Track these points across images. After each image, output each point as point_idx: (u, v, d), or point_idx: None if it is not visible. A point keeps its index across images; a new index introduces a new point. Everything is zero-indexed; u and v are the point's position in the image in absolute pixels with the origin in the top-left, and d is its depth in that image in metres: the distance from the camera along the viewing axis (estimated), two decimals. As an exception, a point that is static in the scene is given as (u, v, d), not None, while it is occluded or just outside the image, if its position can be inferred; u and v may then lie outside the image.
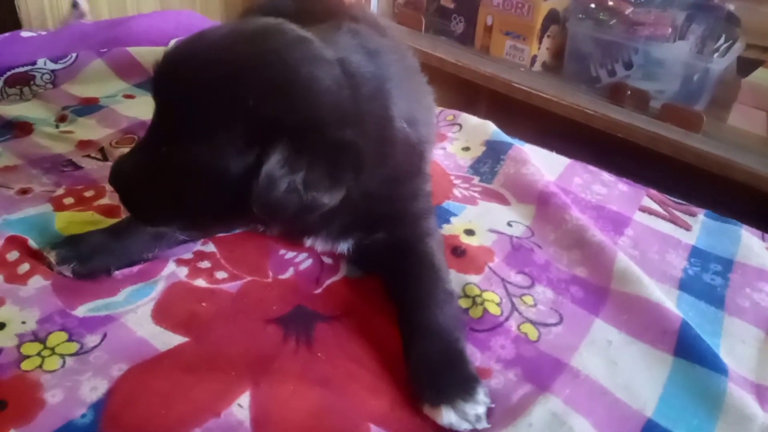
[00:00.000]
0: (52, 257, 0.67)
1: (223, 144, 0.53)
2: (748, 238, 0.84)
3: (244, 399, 0.54)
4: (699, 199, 1.35)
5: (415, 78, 0.78)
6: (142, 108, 1.03)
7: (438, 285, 0.65)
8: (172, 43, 0.98)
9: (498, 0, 1.80)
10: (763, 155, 1.45)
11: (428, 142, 0.75)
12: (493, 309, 0.67)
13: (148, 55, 1.15)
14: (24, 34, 1.26)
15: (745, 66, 1.69)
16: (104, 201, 0.80)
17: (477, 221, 0.81)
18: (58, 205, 0.78)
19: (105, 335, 0.59)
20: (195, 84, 0.54)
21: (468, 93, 2.08)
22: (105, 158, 0.90)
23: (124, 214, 0.77)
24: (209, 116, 0.53)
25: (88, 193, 0.81)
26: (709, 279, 0.76)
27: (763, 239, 0.85)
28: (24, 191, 0.81)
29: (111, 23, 1.36)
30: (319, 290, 0.68)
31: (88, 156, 0.90)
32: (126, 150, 0.90)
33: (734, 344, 0.66)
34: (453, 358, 0.58)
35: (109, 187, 0.82)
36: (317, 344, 0.61)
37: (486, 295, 0.68)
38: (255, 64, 0.55)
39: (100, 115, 1.00)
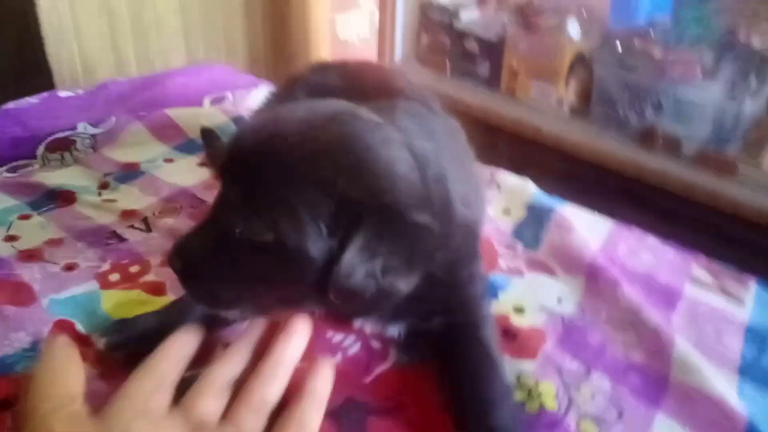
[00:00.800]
0: (101, 344, 0.66)
1: (308, 227, 0.51)
2: (805, 312, 0.82)
3: None
4: (739, 250, 1.33)
5: (466, 156, 0.77)
6: (182, 173, 1.04)
7: (497, 380, 0.63)
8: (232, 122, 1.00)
9: (523, 43, 1.80)
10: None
11: (481, 223, 0.74)
12: (550, 403, 0.65)
13: (186, 117, 1.15)
14: (61, 94, 1.28)
15: (778, 107, 1.67)
16: (150, 277, 0.79)
17: (526, 297, 0.80)
18: (104, 283, 0.77)
19: None
20: (278, 166, 0.51)
21: (486, 137, 2.08)
22: (149, 229, 0.90)
23: (171, 294, 0.77)
24: (295, 199, 0.50)
25: (134, 269, 0.81)
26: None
27: (821, 313, 0.83)
28: (70, 267, 0.80)
29: (146, 82, 1.38)
30: (369, 379, 0.67)
31: (132, 227, 0.90)
32: (170, 220, 0.91)
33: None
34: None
35: (154, 262, 0.82)
36: (372, 440, 0.59)
37: (542, 387, 0.66)
38: (340, 147, 0.53)
39: (141, 182, 1.00)
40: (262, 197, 0.51)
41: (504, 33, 1.87)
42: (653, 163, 1.59)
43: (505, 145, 2.11)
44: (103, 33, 1.85)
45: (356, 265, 0.51)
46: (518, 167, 1.10)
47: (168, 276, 0.79)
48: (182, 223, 0.90)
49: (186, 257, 0.55)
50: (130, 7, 1.90)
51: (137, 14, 1.93)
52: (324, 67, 0.87)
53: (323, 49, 2.48)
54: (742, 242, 1.52)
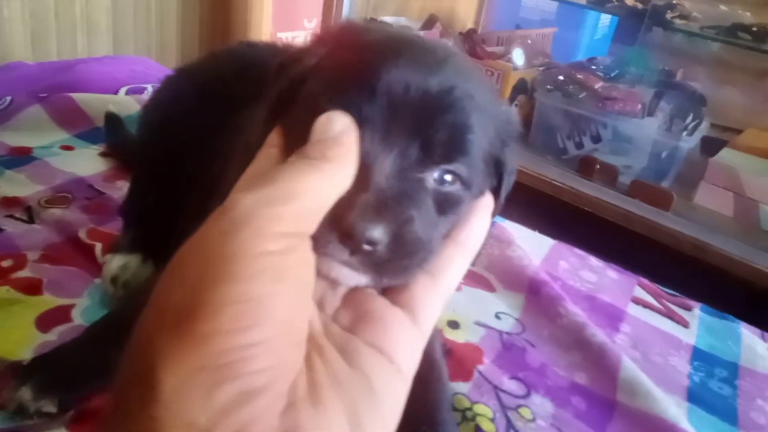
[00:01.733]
0: (25, 395, 0.52)
1: (483, 171, 0.43)
2: (748, 338, 0.77)
3: None
4: (675, 280, 1.30)
5: None
6: (81, 162, 0.91)
7: (445, 402, 0.55)
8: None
9: (467, 66, 1.77)
10: (734, 237, 1.43)
11: None
12: (487, 426, 0.56)
13: (95, 102, 1.03)
14: (-39, 72, 1.13)
15: (710, 145, 1.70)
16: (24, 273, 0.67)
17: (462, 311, 0.72)
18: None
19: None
20: (463, 112, 0.41)
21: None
22: (31, 220, 0.77)
23: (47, 293, 0.65)
24: (477, 144, 0.41)
25: (7, 263, 0.68)
26: (716, 387, 0.68)
27: (764, 339, 0.78)
28: (-70, 258, 0.67)
29: (58, 66, 1.25)
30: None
31: (12, 216, 0.77)
32: (58, 211, 0.79)
33: (759, 473, 0.58)
34: None
35: (31, 256, 0.70)
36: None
37: (477, 408, 0.58)
38: (491, 89, 0.47)
39: (31, 169, 0.87)
40: (451, 144, 0.40)
41: (448, 56, 1.84)
42: (591, 191, 1.57)
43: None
44: (24, 23, 1.70)
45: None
46: None
47: (44, 273, 0.67)
48: (71, 216, 0.78)
49: (394, 212, 0.37)
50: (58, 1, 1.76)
51: (65, 8, 1.79)
52: (254, 44, 0.78)
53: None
54: (676, 273, 1.51)
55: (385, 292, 0.35)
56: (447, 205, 0.40)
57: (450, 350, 0.65)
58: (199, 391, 0.24)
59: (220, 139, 0.62)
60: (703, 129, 1.67)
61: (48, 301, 0.65)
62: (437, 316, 0.36)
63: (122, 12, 1.96)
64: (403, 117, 0.38)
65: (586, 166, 1.64)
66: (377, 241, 0.33)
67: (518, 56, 1.75)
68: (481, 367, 0.64)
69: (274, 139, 0.38)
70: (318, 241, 0.33)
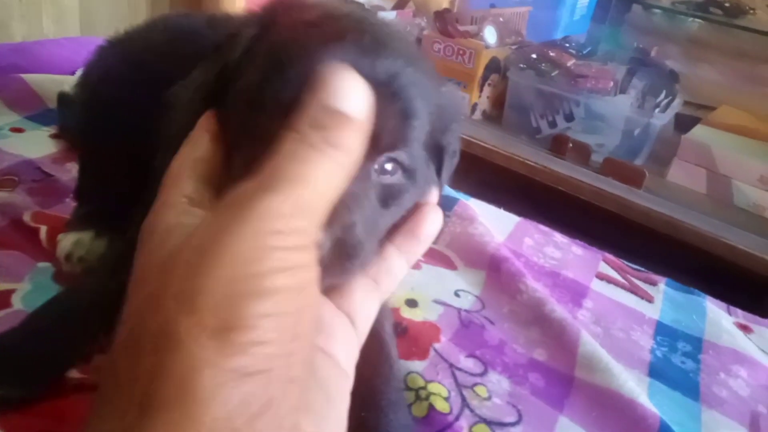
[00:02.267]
0: None
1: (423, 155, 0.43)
2: (714, 312, 0.76)
3: None
4: (647, 258, 1.29)
5: None
6: (31, 144, 0.88)
7: (392, 382, 0.52)
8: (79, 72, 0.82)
9: (439, 46, 1.74)
10: (706, 214, 1.43)
11: None
12: (441, 405, 0.55)
13: (48, 83, 1.00)
14: None
15: (683, 123, 1.69)
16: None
17: (420, 289, 0.70)
18: None
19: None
20: (413, 97, 0.40)
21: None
22: (-27, 204, 0.74)
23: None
24: (419, 129, 0.40)
25: (-60, 250, 0.65)
26: (679, 362, 0.67)
27: (729, 313, 0.78)
28: None
29: (14, 47, 1.20)
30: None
31: (-44, 201, 0.74)
32: (3, 194, 0.76)
33: (718, 445, 0.57)
34: None
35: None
36: None
37: (432, 387, 0.56)
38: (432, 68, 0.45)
39: (-22, 152, 0.84)
40: (395, 133, 0.39)
41: (420, 34, 1.81)
42: (564, 169, 1.56)
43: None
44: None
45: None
46: None
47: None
48: (17, 199, 0.75)
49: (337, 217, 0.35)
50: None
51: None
52: (191, 14, 0.74)
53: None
54: (648, 251, 1.51)
55: (329, 292, 0.36)
56: (390, 197, 0.40)
57: (406, 328, 0.63)
58: (236, 395, 0.25)
59: (153, 114, 0.59)
60: (676, 106, 1.67)
61: (-12, 286, 0.62)
62: (374, 316, 0.37)
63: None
64: None
65: (558, 145, 1.63)
66: (319, 245, 0.32)
67: (490, 34, 1.72)
68: (437, 345, 0.62)
69: (206, 123, 0.37)
70: None
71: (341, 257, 0.35)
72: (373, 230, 0.39)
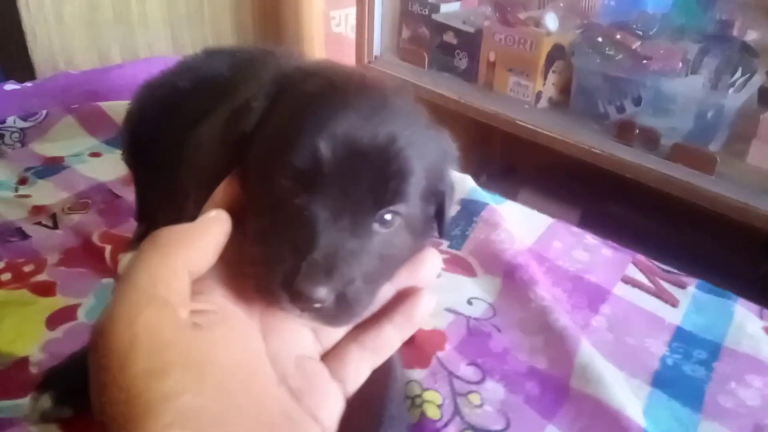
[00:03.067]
0: (45, 404, 0.58)
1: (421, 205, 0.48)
2: (741, 315, 0.75)
3: None
4: (712, 245, 1.25)
5: None
6: (106, 168, 1.00)
7: (394, 397, 0.55)
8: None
9: (500, 35, 1.74)
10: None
11: None
12: (432, 412, 0.60)
13: (120, 108, 1.12)
14: (8, 87, 1.26)
15: (766, 99, 1.59)
16: (41, 277, 0.76)
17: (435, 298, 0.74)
18: (-7, 282, 0.75)
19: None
20: (400, 156, 0.45)
21: (479, 133, 2.02)
22: (55, 226, 0.86)
23: (60, 294, 0.73)
24: (415, 185, 0.46)
25: (28, 268, 0.77)
26: (690, 370, 0.67)
27: (762, 317, 0.76)
28: (-36, 265, 0.78)
29: (96, 74, 1.35)
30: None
31: (39, 223, 0.87)
32: (77, 216, 0.88)
33: (709, 458, 0.58)
34: None
35: (50, 260, 0.79)
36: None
37: (427, 395, 0.61)
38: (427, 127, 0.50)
39: (60, 177, 0.97)
40: (394, 191, 0.44)
41: (482, 25, 1.81)
42: (629, 156, 1.52)
43: (482, 138, 2.06)
44: (85, 24, 1.83)
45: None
46: (491, 159, 1.04)
47: (59, 276, 0.76)
48: (89, 219, 0.87)
49: (340, 273, 0.42)
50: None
51: (122, 6, 1.91)
52: (213, 52, 0.82)
53: (317, 44, 2.44)
54: (717, 238, 1.44)
55: (327, 359, 0.43)
56: (390, 247, 0.45)
57: (413, 337, 0.68)
58: None
59: (180, 151, 0.67)
60: (756, 83, 1.56)
61: (59, 301, 0.73)
62: (364, 379, 0.44)
63: (176, 3, 2.07)
64: (354, 178, 0.42)
65: (624, 131, 1.58)
66: (323, 300, 0.39)
67: (551, 20, 1.69)
68: (440, 354, 0.66)
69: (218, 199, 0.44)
70: (274, 299, 0.40)
71: (342, 309, 0.41)
72: (372, 281, 0.44)
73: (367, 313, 0.44)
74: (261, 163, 0.44)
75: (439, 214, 0.50)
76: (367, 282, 0.43)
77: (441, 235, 0.52)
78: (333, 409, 0.41)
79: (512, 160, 2.25)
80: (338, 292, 0.40)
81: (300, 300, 0.39)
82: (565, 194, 0.91)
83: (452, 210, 0.55)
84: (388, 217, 0.44)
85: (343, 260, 0.41)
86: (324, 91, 0.45)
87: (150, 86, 0.80)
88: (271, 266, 0.40)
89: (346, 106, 0.43)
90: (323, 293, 0.39)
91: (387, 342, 0.45)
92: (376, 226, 0.44)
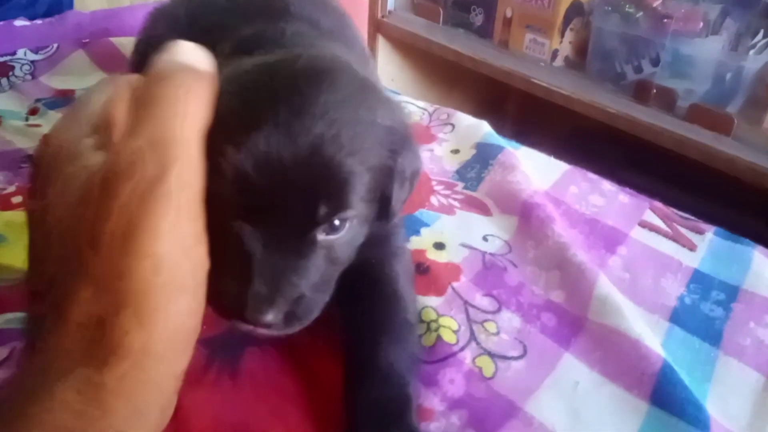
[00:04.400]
0: None
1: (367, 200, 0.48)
2: (760, 261, 0.74)
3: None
4: (727, 206, 1.24)
5: None
6: (117, 102, 0.99)
7: (397, 317, 0.56)
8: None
9: (518, -9, 1.70)
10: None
11: None
12: (448, 336, 0.59)
13: (131, 45, 1.10)
14: (17, 23, 1.24)
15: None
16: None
17: (450, 234, 0.74)
18: (5, 204, 0.74)
19: (13, 349, 0.54)
20: (337, 164, 0.44)
21: (493, 91, 2.00)
22: (67, 155, 0.85)
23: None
24: (359, 184, 0.45)
25: (41, 192, 0.77)
26: (708, 309, 0.66)
27: (782, 264, 0.75)
28: (-26, 188, 0.77)
29: (108, 14, 1.33)
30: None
31: (50, 152, 0.86)
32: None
33: (726, 391, 0.57)
34: (400, 406, 0.50)
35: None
36: (242, 375, 0.54)
37: (442, 321, 0.61)
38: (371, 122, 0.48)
39: (71, 109, 0.96)
40: (333, 203, 0.44)
41: (499, -19, 1.78)
42: (645, 116, 1.50)
43: (496, 96, 2.03)
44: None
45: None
46: (505, 118, 1.02)
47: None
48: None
49: (283, 296, 0.43)
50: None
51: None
52: None
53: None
54: (732, 200, 1.43)
55: None
56: (342, 247, 0.47)
57: (428, 268, 0.67)
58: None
59: None
60: (778, 46, 1.53)
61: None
62: None
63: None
64: (284, 195, 0.42)
65: (641, 92, 1.56)
66: (272, 323, 0.43)
67: (571, -24, 1.66)
68: (456, 284, 0.66)
69: None
70: (229, 318, 0.44)
71: (293, 321, 0.45)
72: (324, 286, 0.47)
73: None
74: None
75: (387, 199, 0.50)
76: (320, 287, 0.46)
77: (387, 220, 0.52)
78: None
79: (524, 124, 2.23)
80: (287, 311, 0.43)
81: (253, 324, 0.43)
82: (578, 159, 0.90)
83: (411, 187, 0.53)
84: (336, 222, 0.45)
85: (285, 282, 0.43)
86: (250, 96, 0.43)
87: (155, 14, 0.78)
88: (221, 293, 0.42)
89: (277, 115, 0.42)
90: (270, 318, 0.42)
91: None
92: (321, 237, 0.45)
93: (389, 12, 1.98)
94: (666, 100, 1.52)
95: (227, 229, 0.42)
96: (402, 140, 0.49)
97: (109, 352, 0.33)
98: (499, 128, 0.98)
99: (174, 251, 0.35)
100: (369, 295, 0.58)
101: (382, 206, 0.49)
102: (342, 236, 0.46)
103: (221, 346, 0.57)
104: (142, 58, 0.76)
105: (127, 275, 0.33)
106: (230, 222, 0.42)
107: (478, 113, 1.03)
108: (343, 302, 0.56)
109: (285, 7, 0.68)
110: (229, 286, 0.42)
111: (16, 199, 0.75)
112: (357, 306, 0.57)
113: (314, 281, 0.45)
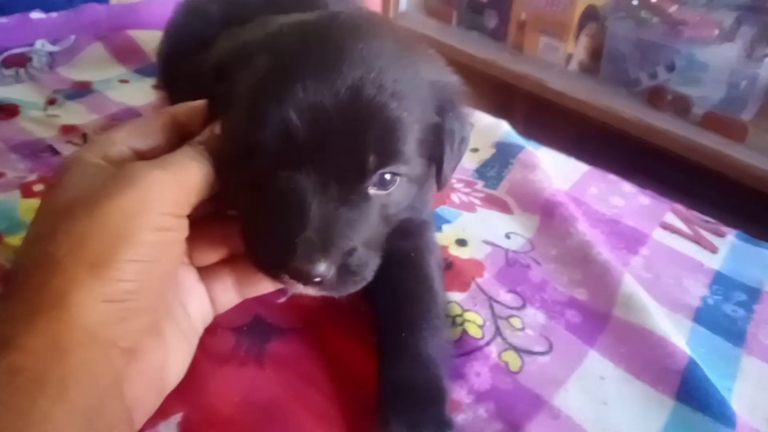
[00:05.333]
0: None
1: (419, 156, 0.48)
2: (781, 264, 0.74)
3: (174, 420, 0.48)
4: (738, 215, 1.23)
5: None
6: (134, 94, 0.99)
7: (433, 309, 0.56)
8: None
9: (533, -5, 1.71)
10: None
11: None
12: (474, 331, 0.59)
13: (150, 39, 1.10)
14: (33, 15, 1.24)
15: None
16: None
17: (472, 230, 0.74)
18: (27, 192, 0.74)
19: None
20: (387, 115, 0.43)
21: (505, 95, 2.00)
22: (87, 145, 0.86)
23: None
24: (410, 137, 0.44)
25: (62, 181, 0.77)
26: (730, 310, 0.66)
27: (801, 267, 0.75)
28: (-3, 176, 0.77)
29: (124, 8, 1.33)
30: (282, 299, 0.62)
31: (70, 142, 0.86)
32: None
33: (751, 389, 0.57)
34: (434, 394, 0.50)
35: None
36: (268, 360, 0.54)
37: (467, 315, 0.61)
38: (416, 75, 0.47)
39: (89, 100, 0.96)
40: (384, 152, 0.43)
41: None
42: (659, 122, 1.50)
43: (514, 103, 2.03)
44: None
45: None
46: (516, 122, 1.02)
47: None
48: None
49: (337, 247, 0.41)
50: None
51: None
52: None
53: None
54: (745, 209, 1.43)
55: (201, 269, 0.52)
56: (393, 205, 0.46)
57: (452, 263, 0.67)
58: (98, 311, 0.36)
59: None
60: (793, 55, 1.53)
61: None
62: (232, 305, 0.54)
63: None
64: (331, 142, 0.41)
65: (656, 98, 1.56)
66: (323, 276, 0.40)
67: (586, -19, 1.66)
68: (479, 280, 0.66)
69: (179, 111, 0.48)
70: (275, 276, 0.43)
71: (346, 278, 0.43)
72: (375, 244, 0.45)
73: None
74: (235, 138, 0.43)
75: (438, 162, 0.49)
76: (371, 245, 0.45)
77: (439, 188, 0.52)
78: (199, 307, 0.50)
79: (533, 128, 2.23)
80: (338, 264, 0.41)
81: (300, 278, 0.41)
82: (588, 164, 0.90)
83: (460, 155, 0.52)
84: (387, 177, 0.44)
85: (338, 232, 0.41)
86: (298, 49, 0.43)
87: (184, 8, 0.78)
88: (267, 247, 0.41)
89: (319, 67, 0.41)
90: (322, 269, 0.40)
91: (258, 287, 0.54)
92: (373, 191, 0.44)
93: (401, 13, 1.99)
94: (681, 107, 1.53)
95: (273, 182, 0.42)
96: (450, 98, 0.48)
97: None
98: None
99: None
100: (409, 286, 0.58)
101: (436, 170, 0.49)
102: (393, 192, 0.45)
103: (248, 333, 0.57)
104: (173, 53, 0.76)
105: None
106: (278, 173, 0.41)
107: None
108: (379, 291, 0.56)
109: (321, 3, 0.68)
110: (276, 237, 0.40)
111: (38, 188, 0.75)
112: (395, 297, 0.57)
113: (366, 238, 0.43)
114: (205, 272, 0.51)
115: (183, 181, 0.41)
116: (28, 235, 0.39)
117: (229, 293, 0.53)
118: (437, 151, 0.48)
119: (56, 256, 0.36)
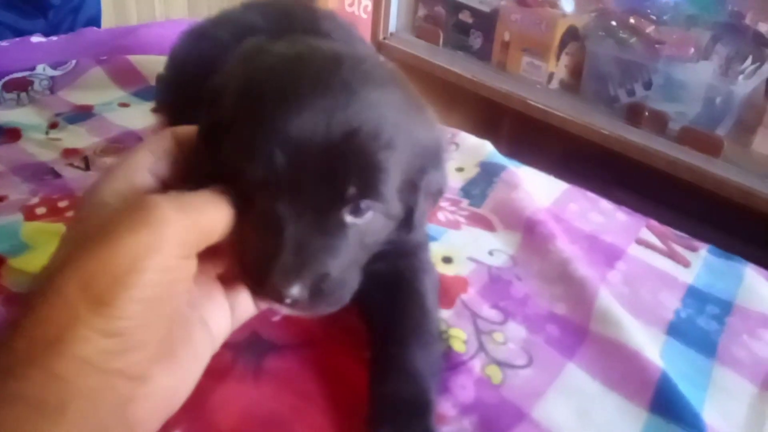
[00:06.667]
0: None
1: (396, 194, 0.49)
2: (752, 278, 0.78)
3: (174, 435, 0.51)
4: (714, 225, 1.28)
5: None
6: (134, 117, 1.02)
7: (424, 325, 0.59)
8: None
9: (516, 16, 1.76)
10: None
11: None
12: (458, 346, 0.63)
13: (148, 63, 1.14)
14: (34, 39, 1.27)
15: (774, 89, 1.62)
16: (76, 212, 0.78)
17: (457, 248, 0.77)
18: (29, 215, 0.77)
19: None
20: (369, 147, 0.45)
21: (491, 112, 2.04)
22: (87, 168, 0.89)
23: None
24: (393, 174, 0.47)
25: (63, 203, 0.79)
26: (703, 323, 0.70)
27: (771, 281, 0.79)
28: (-1, 199, 0.80)
29: (123, 31, 1.37)
30: (277, 317, 0.65)
31: (71, 165, 0.89)
32: (108, 160, 0.90)
33: (722, 400, 0.60)
34: (421, 407, 0.53)
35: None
36: (265, 376, 0.58)
37: (452, 332, 0.64)
38: (408, 120, 0.49)
39: (90, 123, 0.99)
40: (363, 186, 0.45)
41: (498, 5, 1.83)
42: (637, 138, 1.55)
43: (503, 120, 2.08)
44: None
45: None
46: (501, 138, 1.07)
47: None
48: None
49: (310, 270, 0.44)
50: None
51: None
52: (252, 5, 0.83)
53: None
54: (722, 221, 1.48)
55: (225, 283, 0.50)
56: (368, 233, 0.48)
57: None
58: (96, 344, 0.37)
59: None
60: (766, 72, 1.59)
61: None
62: (249, 316, 0.53)
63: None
64: (312, 168, 0.43)
65: (634, 114, 1.62)
66: (297, 297, 0.43)
67: (567, 2, 1.72)
68: (464, 296, 0.69)
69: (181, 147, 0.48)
70: (253, 292, 0.47)
71: (318, 300, 0.46)
72: (351, 268, 0.48)
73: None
74: (231, 159, 0.45)
75: (410, 210, 0.51)
76: (347, 271, 0.47)
77: (409, 230, 0.53)
78: (221, 322, 0.49)
79: (519, 145, 2.28)
80: (312, 286, 0.44)
81: (275, 298, 0.43)
82: (570, 180, 0.94)
83: (435, 203, 0.56)
84: (362, 205, 0.46)
85: (313, 257, 0.44)
86: (290, 72, 0.46)
87: (191, 34, 0.81)
88: (251, 267, 0.44)
89: (311, 93, 0.43)
90: (295, 291, 0.43)
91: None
92: (349, 219, 0.46)
93: (391, 34, 2.04)
94: (658, 123, 1.58)
95: (257, 206, 0.45)
96: (434, 159, 0.52)
97: None
98: (496, 148, 1.02)
99: None
100: (400, 306, 0.60)
101: (406, 217, 0.51)
102: (367, 221, 0.47)
103: (245, 348, 0.60)
104: (179, 77, 0.80)
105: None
106: (264, 200, 0.44)
107: (476, 134, 1.07)
108: (373, 309, 0.60)
109: (323, 30, 0.72)
110: (257, 258, 0.44)
111: (40, 210, 0.78)
112: (388, 315, 0.60)
113: (341, 263, 0.46)
114: (226, 279, 0.51)
115: (200, 227, 0.42)
116: (47, 265, 0.41)
117: (247, 301, 0.52)
118: (412, 200, 0.51)
119: (63, 292, 0.37)
